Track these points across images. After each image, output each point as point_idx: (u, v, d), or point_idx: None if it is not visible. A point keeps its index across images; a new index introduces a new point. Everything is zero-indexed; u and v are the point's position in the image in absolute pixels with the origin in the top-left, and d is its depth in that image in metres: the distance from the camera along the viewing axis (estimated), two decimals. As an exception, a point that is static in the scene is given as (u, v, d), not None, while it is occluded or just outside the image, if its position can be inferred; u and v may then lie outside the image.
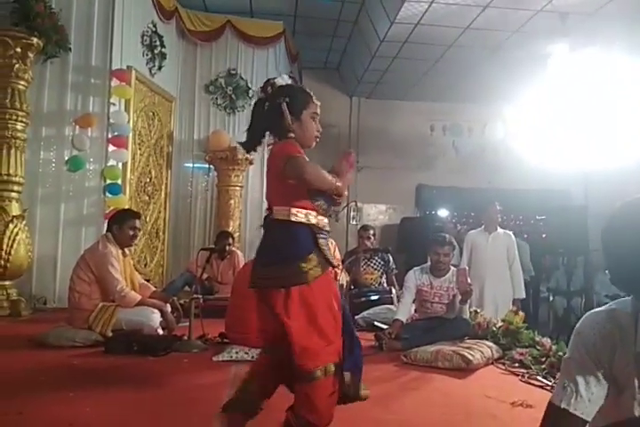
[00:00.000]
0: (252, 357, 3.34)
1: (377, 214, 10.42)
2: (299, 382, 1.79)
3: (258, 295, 1.90)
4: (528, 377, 3.15)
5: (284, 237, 1.86)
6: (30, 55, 5.13)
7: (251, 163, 7.19)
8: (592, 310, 1.24)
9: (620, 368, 1.14)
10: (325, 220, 1.92)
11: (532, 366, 3.32)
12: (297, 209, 1.85)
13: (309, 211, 1.86)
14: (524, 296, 5.45)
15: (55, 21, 5.36)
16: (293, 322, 1.77)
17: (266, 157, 2.18)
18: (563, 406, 1.16)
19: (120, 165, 5.99)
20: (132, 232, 3.99)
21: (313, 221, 1.86)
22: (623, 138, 6.20)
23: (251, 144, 2.02)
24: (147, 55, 6.67)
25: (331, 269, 1.93)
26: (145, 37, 6.59)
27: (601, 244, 1.20)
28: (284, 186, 1.87)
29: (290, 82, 2.08)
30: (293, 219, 1.84)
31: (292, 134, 1.93)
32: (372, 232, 5.93)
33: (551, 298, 7.34)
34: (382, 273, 5.70)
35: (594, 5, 6.17)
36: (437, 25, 6.96)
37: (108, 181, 5.79)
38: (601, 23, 6.26)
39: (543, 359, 3.37)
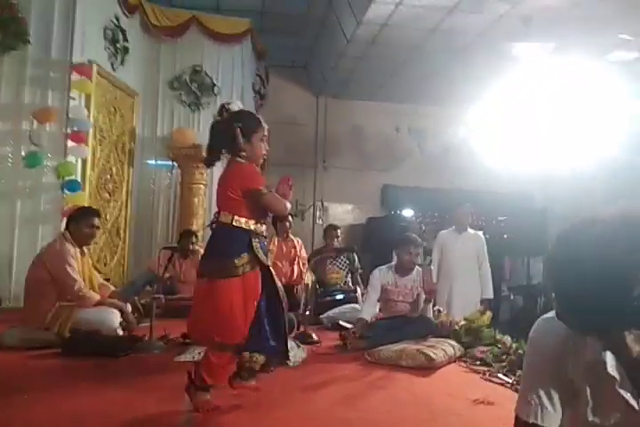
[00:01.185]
0: (215, 357, 3.30)
1: (343, 214, 10.44)
2: (209, 349, 2.33)
3: (202, 282, 2.35)
4: (489, 375, 3.19)
5: (225, 238, 2.33)
6: (-14, 47, 4.96)
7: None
8: (543, 317, 1.22)
9: (575, 374, 1.14)
10: (264, 227, 2.41)
11: (493, 364, 3.36)
12: (238, 216, 2.31)
13: (248, 219, 2.32)
14: (492, 296, 5.50)
15: (15, 13, 5.19)
16: (217, 305, 2.26)
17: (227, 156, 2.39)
18: (531, 420, 1.16)
19: (79, 161, 5.83)
20: (89, 230, 3.87)
21: (252, 227, 2.32)
22: (580, 141, 6.37)
23: (210, 160, 2.47)
24: (109, 49, 6.52)
25: (263, 269, 2.35)
26: (107, 31, 6.45)
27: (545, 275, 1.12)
28: (233, 200, 2.32)
29: (242, 106, 2.50)
30: (235, 224, 2.30)
31: (244, 153, 2.36)
32: (338, 232, 5.94)
33: (512, 297, 7.48)
34: (348, 272, 5.71)
35: (556, 10, 6.30)
36: (404, 27, 7.01)
37: (67, 178, 5.63)
38: (562, 28, 6.41)
39: (504, 357, 3.42)
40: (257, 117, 2.48)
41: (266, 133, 2.43)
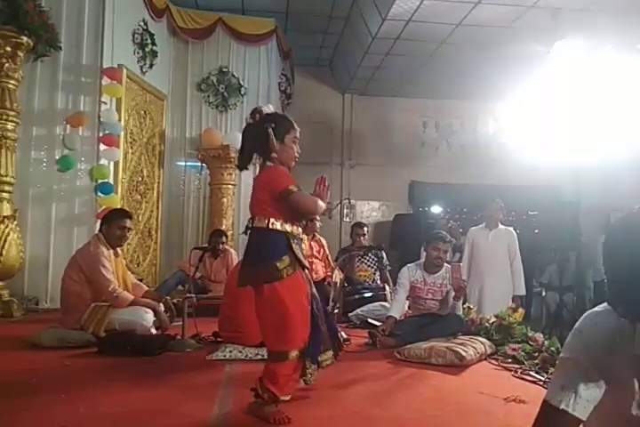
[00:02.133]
0: (246, 355, 3.34)
1: (370, 211, 10.43)
2: (269, 360, 2.27)
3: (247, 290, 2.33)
4: (521, 373, 3.17)
5: (263, 242, 2.28)
6: (20, 54, 5.08)
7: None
8: (592, 310, 1.22)
9: (619, 369, 1.13)
10: (300, 229, 2.36)
11: (525, 362, 3.34)
12: (274, 220, 2.26)
13: (284, 222, 2.27)
14: (524, 293, 5.43)
15: (45, 20, 5.31)
16: (270, 311, 2.21)
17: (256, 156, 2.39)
18: (562, 406, 1.15)
19: (112, 164, 5.96)
20: (120, 232, 3.96)
21: (288, 229, 2.28)
22: (614, 134, 6.23)
23: (243, 164, 2.43)
24: (138, 53, 6.63)
25: (303, 270, 2.30)
26: (136, 35, 6.55)
27: (603, 262, 1.13)
28: (265, 204, 2.28)
29: (274, 110, 2.48)
30: (271, 227, 2.25)
31: (275, 155, 2.33)
32: (365, 229, 5.95)
33: (544, 293, 7.37)
34: (376, 270, 5.71)
35: (585, 1, 6.18)
36: (429, 22, 6.95)
37: (100, 181, 5.76)
38: (592, 19, 6.27)
39: (536, 355, 3.39)
40: (289, 120, 2.44)
41: (298, 136, 2.41)
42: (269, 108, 2.43)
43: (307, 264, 2.35)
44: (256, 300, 2.28)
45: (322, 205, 2.32)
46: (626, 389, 1.13)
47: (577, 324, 1.23)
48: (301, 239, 2.38)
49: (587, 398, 1.15)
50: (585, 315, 1.23)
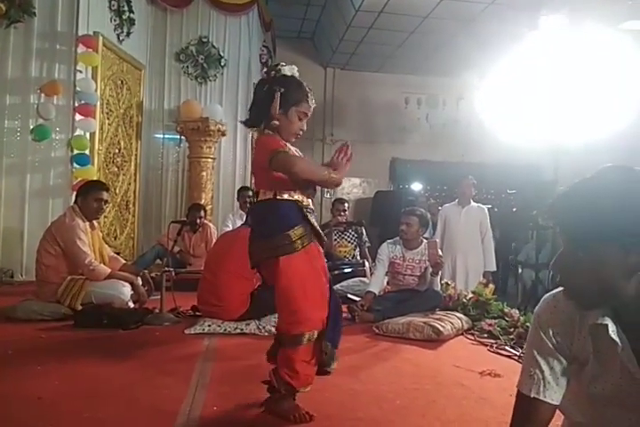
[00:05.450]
0: (225, 329, 3.35)
1: (351, 188, 10.43)
2: (283, 346, 1.97)
3: (258, 267, 2.11)
4: (496, 347, 3.23)
5: (272, 213, 2.01)
6: (-9, 19, 4.91)
7: (223, 134, 7.03)
8: (550, 293, 1.22)
9: (580, 347, 1.15)
10: (310, 201, 2.09)
11: (501, 337, 3.40)
12: (281, 190, 2.01)
13: (293, 191, 2.02)
14: (495, 269, 5.58)
15: (18, -16, 5.12)
16: (284, 288, 1.95)
17: (240, 128, 2.25)
18: (532, 395, 1.17)
19: (87, 134, 5.82)
20: (97, 204, 3.88)
21: (297, 197, 2.02)
22: (593, 112, 6.25)
23: (248, 121, 2.14)
24: (114, 21, 6.42)
25: (320, 241, 2.08)
26: (112, 2, 6.33)
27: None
28: (268, 176, 2.02)
29: (296, 75, 2.09)
30: (279, 197, 2.01)
31: (276, 122, 2.03)
32: (345, 205, 5.93)
33: (520, 270, 7.48)
34: (355, 246, 5.73)
35: (570, -22, 6.14)
36: (413, -5, 6.87)
37: (76, 152, 5.63)
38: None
39: (511, 330, 3.45)
40: (306, 90, 2.07)
41: (308, 112, 2.08)
42: (292, 70, 2.08)
43: (323, 236, 2.14)
44: (267, 277, 2.07)
45: (322, 172, 1.98)
46: (585, 367, 1.15)
47: (536, 309, 1.23)
48: (313, 210, 2.09)
49: (555, 382, 1.17)
50: (543, 299, 1.23)
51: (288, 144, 2.08)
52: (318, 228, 2.06)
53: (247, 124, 2.15)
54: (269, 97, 2.01)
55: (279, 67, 2.07)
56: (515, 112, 7.02)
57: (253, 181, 2.21)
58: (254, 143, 2.18)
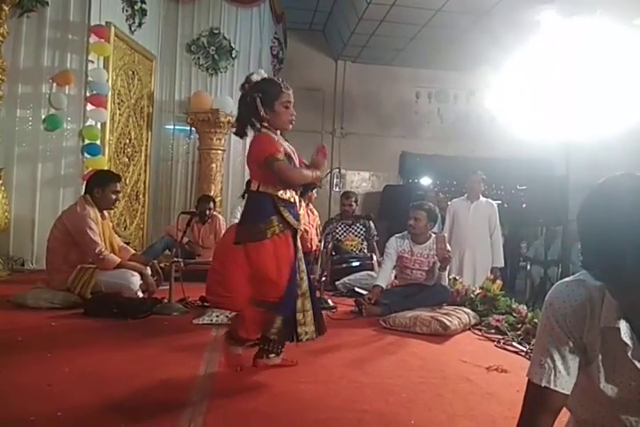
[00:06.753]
0: (233, 320, 3.36)
1: (360, 181, 10.41)
2: (248, 304, 2.38)
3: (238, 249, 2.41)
4: (504, 343, 3.22)
5: (253, 204, 2.42)
6: (5, 8, 4.90)
7: (233, 126, 7.02)
8: (561, 281, 1.20)
9: (589, 340, 1.14)
10: (294, 194, 2.43)
11: (508, 333, 3.38)
12: (264, 184, 2.37)
13: (275, 185, 2.36)
14: (503, 265, 5.55)
15: (31, -27, 5.13)
16: (255, 266, 2.34)
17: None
18: (543, 384, 1.15)
19: (99, 124, 5.85)
20: (115, 196, 3.93)
21: (277, 193, 2.36)
22: (606, 108, 6.19)
23: (239, 132, 2.49)
24: (126, 11, 6.44)
25: (293, 233, 2.41)
26: (125, -8, 6.35)
27: (577, 224, 1.07)
28: (258, 171, 2.39)
29: (265, 75, 2.49)
30: (261, 189, 2.37)
31: (267, 123, 2.38)
32: (353, 199, 5.92)
33: (529, 267, 7.46)
34: (363, 240, 5.72)
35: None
36: (427, -12, 6.81)
37: (87, 142, 5.65)
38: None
39: (519, 326, 3.44)
40: (278, 84, 2.43)
41: (290, 99, 2.42)
42: (260, 75, 2.45)
43: (300, 227, 2.46)
44: (241, 256, 2.39)
45: (309, 175, 2.41)
46: (593, 361, 1.14)
47: (547, 296, 1.20)
48: (295, 204, 2.44)
49: (566, 371, 1.15)
50: (554, 287, 1.20)
51: (280, 140, 2.41)
52: (293, 220, 2.38)
53: (238, 134, 2.50)
54: (253, 104, 2.36)
55: (250, 78, 2.42)
56: (527, 107, 6.97)
57: (248, 172, 2.52)
58: (252, 139, 2.47)
